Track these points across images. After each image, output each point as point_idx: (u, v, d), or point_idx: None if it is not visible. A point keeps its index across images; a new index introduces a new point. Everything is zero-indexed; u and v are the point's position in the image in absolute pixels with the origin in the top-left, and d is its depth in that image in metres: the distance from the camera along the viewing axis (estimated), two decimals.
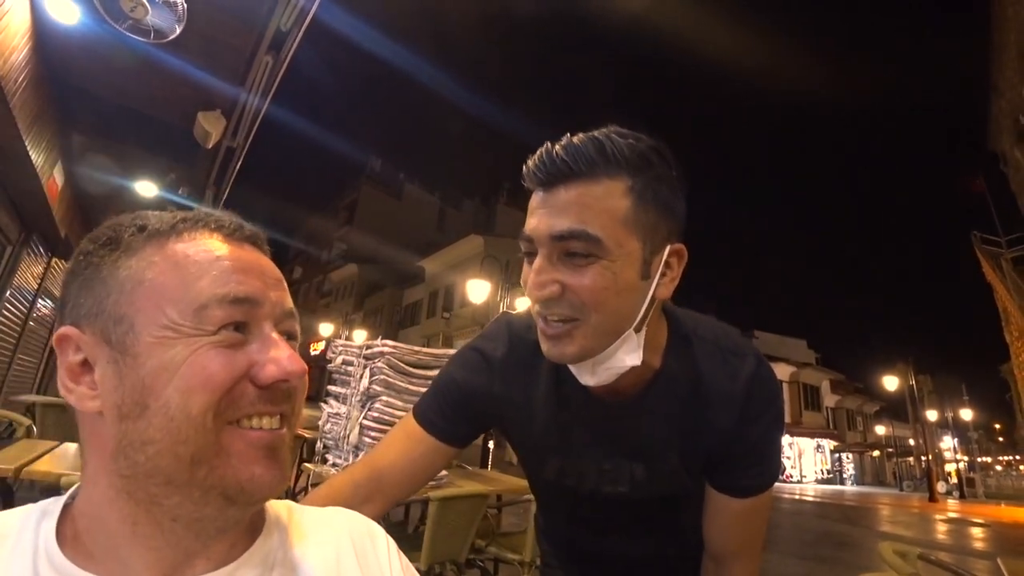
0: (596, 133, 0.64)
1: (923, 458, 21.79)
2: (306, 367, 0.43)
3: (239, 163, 5.39)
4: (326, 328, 26.25)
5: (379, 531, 0.53)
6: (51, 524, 0.39)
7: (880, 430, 33.83)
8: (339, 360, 2.83)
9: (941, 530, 10.45)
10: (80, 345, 0.40)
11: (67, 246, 6.10)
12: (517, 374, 0.80)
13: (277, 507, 0.49)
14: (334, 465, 2.66)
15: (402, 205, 35.81)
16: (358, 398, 2.59)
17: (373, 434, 2.48)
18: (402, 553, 0.53)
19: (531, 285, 0.64)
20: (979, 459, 33.31)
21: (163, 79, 4.04)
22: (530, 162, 0.65)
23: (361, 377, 2.61)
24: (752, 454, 0.76)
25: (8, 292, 5.35)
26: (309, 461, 3.27)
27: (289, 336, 0.44)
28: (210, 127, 4.24)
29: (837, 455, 29.12)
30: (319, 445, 2.85)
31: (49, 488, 1.82)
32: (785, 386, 25.28)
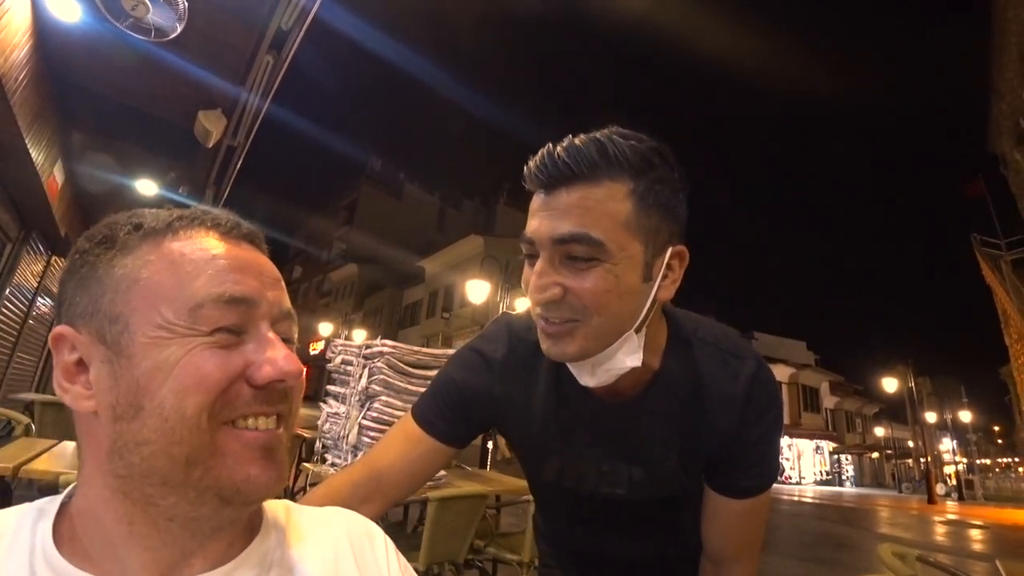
0: (598, 134, 0.63)
1: (922, 460, 21.80)
2: (303, 367, 0.43)
3: (239, 162, 5.40)
4: (326, 328, 26.28)
5: (377, 531, 0.53)
6: (48, 523, 0.39)
7: (879, 432, 33.82)
8: (338, 360, 2.83)
9: (940, 532, 10.45)
10: (75, 345, 0.40)
11: (67, 244, 6.09)
12: (517, 375, 0.80)
13: (275, 507, 0.49)
14: (333, 465, 2.66)
15: (402, 205, 35.82)
16: (357, 398, 2.59)
17: (372, 434, 2.48)
18: (400, 553, 0.53)
19: (532, 288, 0.63)
20: (978, 461, 33.29)
21: (164, 78, 4.04)
22: (531, 163, 0.64)
23: (360, 377, 2.61)
24: (751, 455, 0.76)
25: (8, 290, 5.34)
26: (308, 461, 3.27)
27: (286, 338, 0.44)
28: (211, 126, 4.24)
29: (836, 457, 29.11)
30: (318, 445, 2.85)
31: (47, 486, 1.82)
32: (784, 387, 25.28)
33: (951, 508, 16.88)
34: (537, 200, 0.65)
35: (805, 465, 27.33)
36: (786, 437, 25.12)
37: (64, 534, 0.39)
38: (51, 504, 0.41)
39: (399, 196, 36.29)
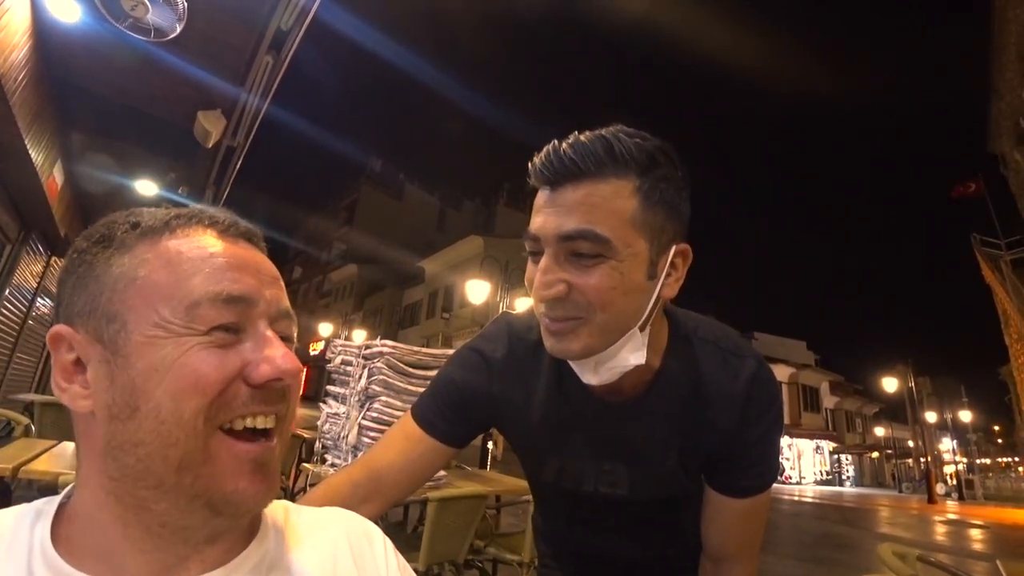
0: (603, 132, 0.63)
1: (922, 460, 21.80)
2: (300, 366, 0.42)
3: (239, 163, 5.39)
4: (326, 328, 26.27)
5: (376, 531, 0.53)
6: (46, 524, 0.39)
7: (879, 432, 33.83)
8: (338, 360, 2.83)
9: (940, 532, 10.45)
10: (73, 344, 0.39)
11: (66, 245, 6.06)
12: (517, 375, 0.80)
13: (274, 508, 0.48)
14: (333, 465, 2.66)
15: (402, 205, 35.82)
16: (357, 398, 2.59)
17: (372, 434, 2.48)
18: (399, 553, 0.53)
19: (537, 285, 0.63)
20: (978, 461, 33.30)
21: (163, 78, 4.03)
22: (536, 160, 0.64)
23: (360, 377, 2.61)
24: (751, 455, 0.76)
25: (7, 291, 5.34)
26: (308, 461, 3.27)
27: (285, 337, 0.43)
28: (210, 126, 4.24)
29: (836, 456, 29.11)
30: (318, 445, 2.85)
31: (47, 487, 1.82)
32: (784, 387, 25.29)
33: (951, 508, 16.88)
34: (542, 197, 0.65)
35: (805, 465, 27.32)
36: (786, 437, 25.12)
37: (62, 535, 0.39)
38: (49, 505, 0.41)
39: (399, 196, 36.29)
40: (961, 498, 21.69)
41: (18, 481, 1.86)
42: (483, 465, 7.29)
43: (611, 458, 0.79)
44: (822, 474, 28.20)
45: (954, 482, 24.86)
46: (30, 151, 3.94)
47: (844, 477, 29.02)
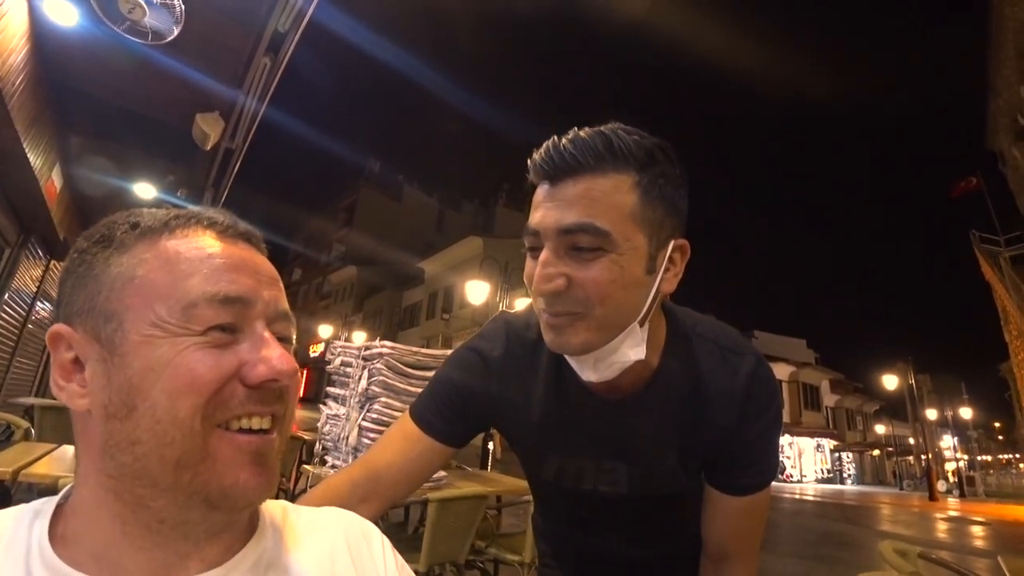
0: (602, 128, 0.63)
1: (923, 457, 21.78)
2: (297, 367, 0.42)
3: (237, 165, 5.39)
4: (325, 330, 26.25)
5: (374, 531, 0.53)
6: (44, 524, 0.39)
7: (880, 429, 33.83)
8: (338, 362, 2.83)
9: (941, 529, 10.45)
10: (71, 343, 0.40)
11: (66, 248, 6.08)
12: (515, 373, 0.80)
13: (272, 508, 0.49)
14: (333, 467, 2.66)
15: (401, 207, 35.82)
16: (357, 399, 2.59)
17: (372, 435, 2.48)
18: (398, 553, 0.53)
19: (537, 279, 0.63)
20: (979, 458, 33.31)
21: (161, 81, 4.03)
22: (536, 155, 0.65)
23: (360, 378, 2.61)
24: (751, 452, 0.76)
25: (6, 295, 5.34)
26: (308, 463, 3.27)
27: (283, 338, 0.43)
28: (208, 129, 4.24)
29: (837, 454, 29.11)
30: (318, 447, 2.85)
31: (47, 490, 1.82)
32: (785, 386, 25.29)
33: (952, 505, 16.87)
34: (541, 192, 0.65)
35: (806, 463, 27.32)
36: (787, 435, 25.12)
37: (60, 534, 0.39)
38: (47, 505, 0.41)
39: (398, 198, 36.29)
40: (962, 495, 21.69)
41: (18, 484, 1.86)
42: (483, 465, 7.29)
43: (611, 456, 0.79)
44: (823, 472, 28.20)
45: (955, 479, 24.84)
46: (28, 154, 3.94)
47: (845, 475, 29.02)
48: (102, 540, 0.38)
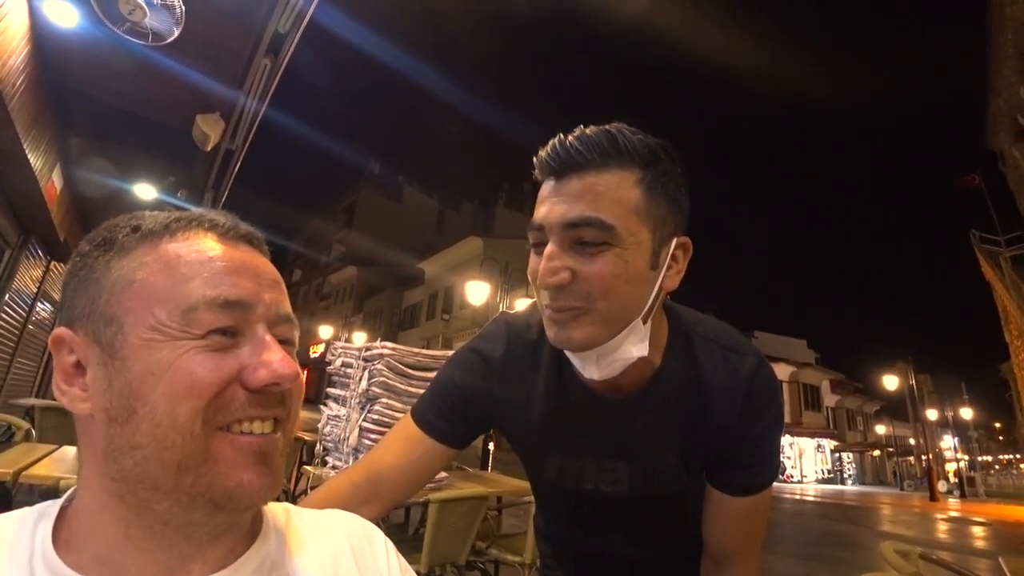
0: (607, 126, 0.64)
1: (923, 457, 21.77)
2: (299, 370, 0.42)
3: (238, 166, 5.39)
4: (326, 330, 26.25)
5: (377, 533, 0.53)
6: (47, 527, 0.39)
7: (880, 430, 33.82)
8: (338, 362, 2.83)
9: (942, 529, 10.44)
10: (73, 347, 0.40)
11: (66, 249, 6.09)
12: (516, 374, 0.80)
13: (275, 510, 0.48)
14: (334, 468, 2.66)
15: (401, 207, 35.82)
16: (357, 400, 2.59)
17: (373, 436, 2.48)
18: (400, 555, 0.53)
19: (542, 272, 0.63)
20: (979, 458, 33.30)
21: (161, 82, 4.03)
22: (542, 152, 0.65)
23: (360, 379, 2.61)
24: (752, 452, 0.76)
25: (7, 295, 5.33)
26: (309, 464, 3.27)
27: (285, 340, 0.43)
28: (209, 130, 4.24)
29: (837, 455, 29.10)
30: (319, 448, 2.85)
31: (48, 492, 1.81)
32: (785, 386, 25.28)
33: (953, 505, 16.87)
34: (547, 187, 0.66)
35: (807, 464, 27.31)
36: (787, 436, 25.11)
37: (64, 537, 0.39)
38: (51, 507, 0.41)
39: (398, 198, 36.29)
40: (963, 495, 21.67)
41: (19, 486, 1.86)
42: (484, 466, 7.29)
43: (612, 456, 0.79)
44: (823, 473, 28.19)
45: (956, 479, 24.81)
46: (29, 156, 3.94)
47: (846, 475, 29.01)
48: (105, 543, 0.38)
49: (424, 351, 2.76)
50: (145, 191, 5.69)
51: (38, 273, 6.36)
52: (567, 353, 0.72)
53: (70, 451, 2.34)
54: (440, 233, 34.63)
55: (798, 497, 16.14)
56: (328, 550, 0.47)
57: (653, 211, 0.64)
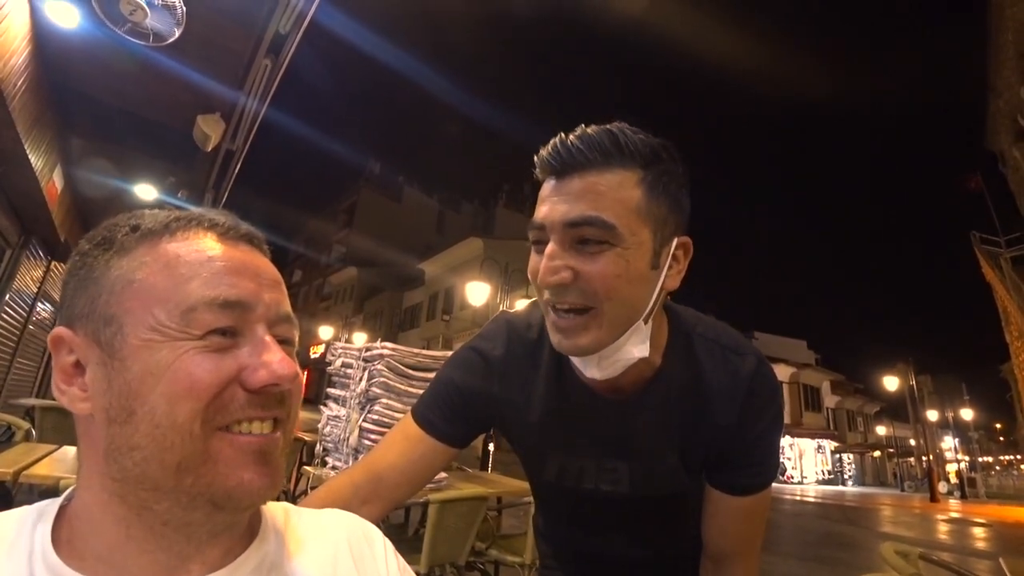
0: (609, 126, 0.64)
1: (924, 458, 21.77)
2: (299, 370, 0.42)
3: (238, 166, 5.39)
4: (326, 331, 26.25)
5: (376, 533, 0.53)
6: (47, 526, 0.39)
7: (881, 431, 33.80)
8: (338, 363, 2.83)
9: (943, 530, 10.43)
10: (72, 346, 0.40)
11: (66, 250, 6.08)
12: (516, 373, 0.80)
13: (274, 510, 0.48)
14: (334, 468, 2.66)
15: (401, 208, 35.84)
16: (357, 400, 2.59)
17: (373, 436, 2.48)
18: (400, 555, 0.53)
19: (543, 271, 0.63)
20: (980, 459, 33.28)
21: (162, 82, 4.04)
22: (543, 151, 0.65)
23: (360, 379, 2.61)
24: (752, 452, 0.76)
25: (7, 296, 5.34)
26: (309, 464, 3.27)
27: (285, 340, 0.43)
28: (209, 130, 4.24)
29: (838, 456, 29.07)
30: (319, 448, 2.85)
31: (48, 491, 1.81)
32: (785, 387, 25.25)
33: (953, 506, 16.85)
34: (548, 187, 0.66)
35: (807, 464, 27.28)
36: (788, 436, 25.09)
37: (63, 537, 0.39)
38: (51, 507, 0.41)
39: (398, 199, 36.31)
40: (963, 496, 21.66)
41: (19, 486, 1.86)
42: (484, 467, 7.29)
43: (612, 456, 0.79)
44: (824, 473, 28.16)
45: (956, 480, 24.79)
46: (30, 156, 3.94)
47: (846, 476, 28.97)
48: (105, 543, 0.38)
49: (424, 351, 2.76)
50: (146, 191, 5.70)
51: (39, 273, 6.36)
52: None
53: (70, 451, 2.34)
54: (440, 234, 34.64)
55: (798, 498, 16.12)
56: (327, 550, 0.47)
57: (654, 211, 0.64)
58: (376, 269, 31.21)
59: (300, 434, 4.41)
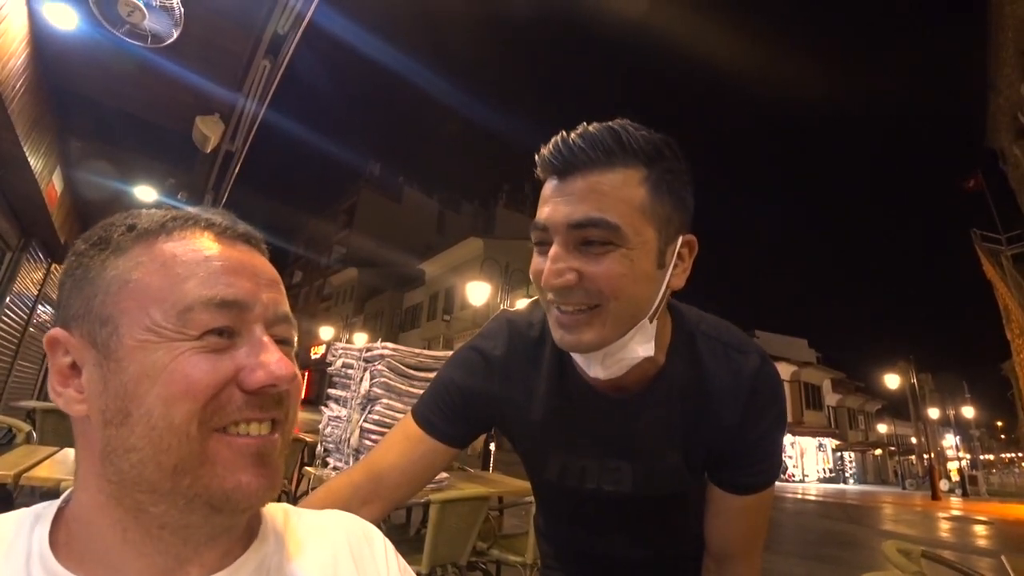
0: (611, 124, 0.63)
1: (925, 456, 21.75)
2: (297, 371, 0.42)
3: (238, 167, 5.39)
4: (326, 332, 26.26)
5: (376, 533, 0.52)
6: (44, 528, 0.39)
7: (882, 429, 33.79)
8: (339, 363, 2.83)
9: (944, 528, 10.43)
10: (68, 347, 0.39)
11: (67, 252, 6.04)
12: (518, 372, 0.80)
13: (274, 511, 0.48)
14: (335, 468, 2.66)
15: (401, 208, 35.86)
16: (358, 401, 2.59)
17: (374, 437, 2.47)
18: (400, 555, 0.52)
19: (547, 274, 0.62)
20: (981, 457, 33.24)
21: (161, 84, 4.03)
22: (544, 150, 0.64)
23: (361, 380, 2.61)
24: (755, 451, 0.76)
25: (8, 298, 5.34)
26: (310, 465, 3.27)
27: (283, 340, 0.43)
28: (208, 131, 4.24)
29: (839, 454, 29.08)
30: (319, 448, 2.85)
31: (49, 494, 1.81)
32: (786, 385, 25.24)
33: (955, 504, 16.85)
34: (549, 187, 0.65)
35: (808, 463, 27.28)
36: (789, 435, 25.08)
37: (61, 539, 0.39)
38: (48, 509, 0.40)
39: (398, 199, 36.33)
40: (965, 494, 21.65)
41: (20, 488, 1.86)
42: (485, 467, 7.29)
43: (614, 455, 0.78)
44: (825, 472, 28.16)
45: (957, 478, 24.79)
46: (29, 158, 3.94)
47: (847, 475, 28.98)
48: (103, 546, 0.38)
49: (425, 352, 2.76)
50: (145, 193, 5.70)
51: (39, 276, 6.36)
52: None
53: (70, 453, 2.33)
54: (440, 234, 34.66)
55: (800, 496, 16.12)
56: (327, 552, 0.46)
57: (658, 210, 0.63)
58: (376, 269, 31.23)
59: (301, 435, 4.42)
